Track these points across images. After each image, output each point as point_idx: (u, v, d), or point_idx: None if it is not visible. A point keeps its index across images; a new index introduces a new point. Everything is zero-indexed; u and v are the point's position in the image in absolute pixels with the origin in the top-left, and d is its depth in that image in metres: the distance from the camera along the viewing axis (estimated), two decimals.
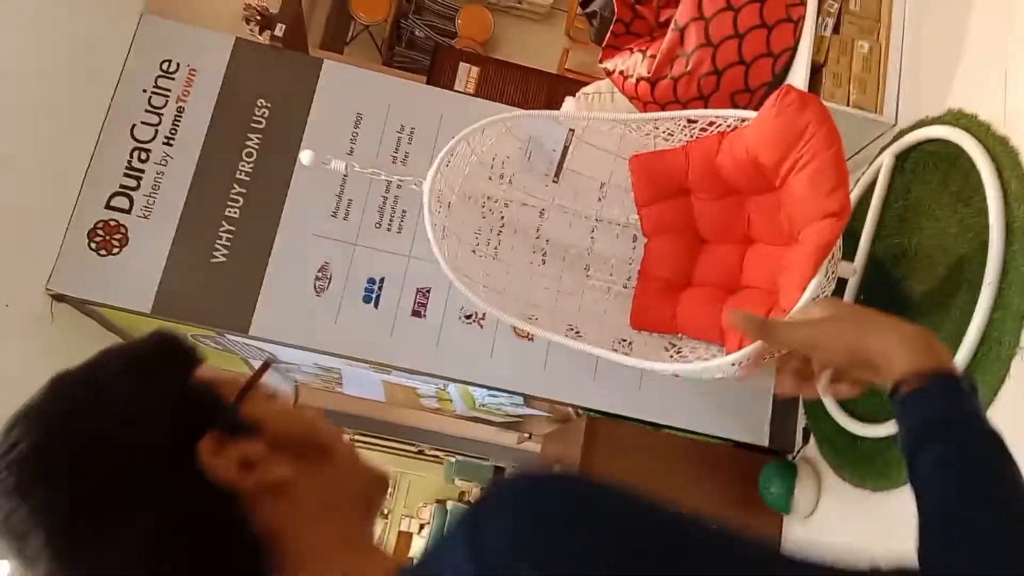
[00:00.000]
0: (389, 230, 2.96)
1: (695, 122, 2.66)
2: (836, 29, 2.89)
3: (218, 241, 2.89)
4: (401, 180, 2.69)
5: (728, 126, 2.60)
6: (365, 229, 2.95)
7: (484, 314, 2.87)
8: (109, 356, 0.69)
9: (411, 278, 2.92)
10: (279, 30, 3.28)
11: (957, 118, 2.41)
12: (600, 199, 2.86)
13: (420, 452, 7.39)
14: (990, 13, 2.42)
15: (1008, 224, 2.07)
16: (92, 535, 0.60)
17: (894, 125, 2.75)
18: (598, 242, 2.87)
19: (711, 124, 2.62)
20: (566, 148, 2.74)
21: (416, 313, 2.90)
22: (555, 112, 2.78)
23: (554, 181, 2.83)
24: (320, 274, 2.89)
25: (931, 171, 2.46)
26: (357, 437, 6.05)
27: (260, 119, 3.00)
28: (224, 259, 2.88)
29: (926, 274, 2.36)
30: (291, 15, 3.35)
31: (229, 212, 2.92)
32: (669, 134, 2.73)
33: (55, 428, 0.63)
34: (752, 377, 2.28)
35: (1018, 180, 2.10)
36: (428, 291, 2.90)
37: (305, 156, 2.63)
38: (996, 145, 2.21)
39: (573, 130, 2.75)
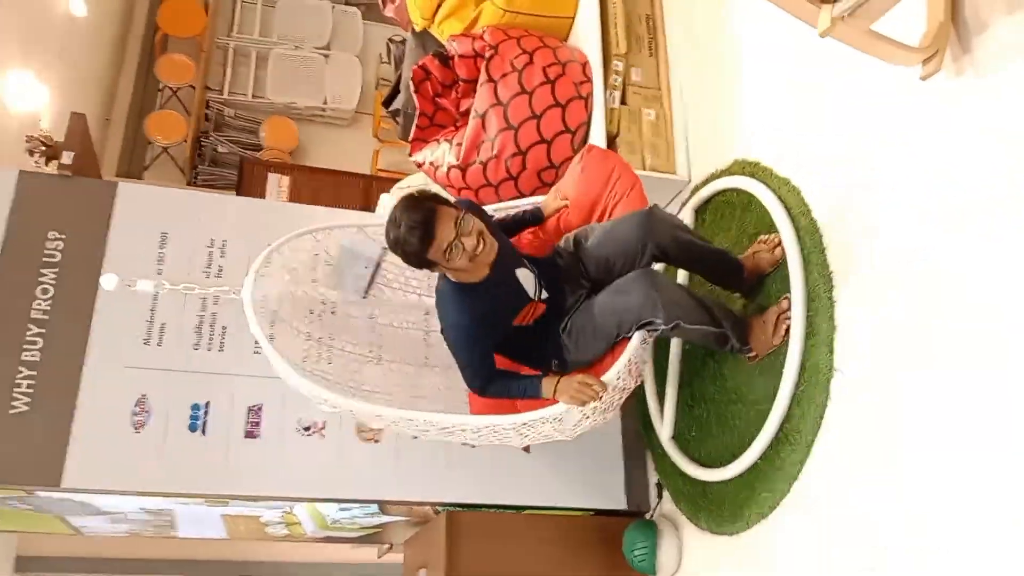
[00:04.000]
0: (209, 350, 2.80)
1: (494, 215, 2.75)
2: (623, 101, 3.08)
3: (16, 390, 2.62)
4: (218, 291, 2.57)
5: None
6: (183, 353, 2.77)
7: (324, 423, 2.75)
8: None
9: (240, 397, 2.75)
10: (67, 158, 3.08)
11: (743, 167, 2.59)
12: (426, 315, 2.84)
13: None
14: (755, 71, 2.65)
15: (804, 255, 2.23)
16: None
17: (689, 182, 2.93)
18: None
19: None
20: (378, 265, 2.71)
21: (250, 434, 2.72)
22: (366, 216, 2.75)
23: (363, 297, 2.79)
24: (137, 408, 2.67)
25: (728, 219, 2.62)
26: None
27: (54, 252, 2.79)
28: (26, 408, 2.61)
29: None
30: (79, 141, 3.17)
31: (27, 356, 2.66)
32: None
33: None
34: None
35: (804, 215, 2.27)
36: (260, 408, 2.74)
37: (108, 280, 2.46)
38: (780, 186, 2.39)
39: (386, 248, 2.73)
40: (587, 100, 3.02)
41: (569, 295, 2.31)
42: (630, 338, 2.13)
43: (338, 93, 6.00)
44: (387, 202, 3.88)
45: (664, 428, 2.73)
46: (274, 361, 2.30)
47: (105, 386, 2.67)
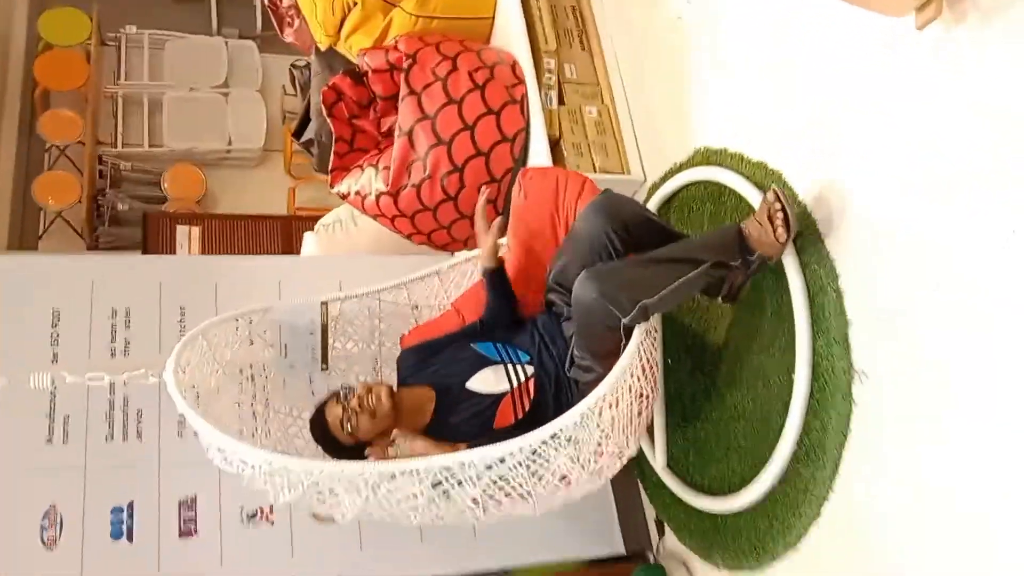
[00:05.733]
0: (125, 439, 2.40)
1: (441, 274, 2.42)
2: (561, 100, 2.80)
3: None
4: (131, 376, 2.19)
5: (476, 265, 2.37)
6: (94, 447, 2.37)
7: (271, 507, 2.37)
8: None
9: (168, 491, 2.36)
10: None
11: (707, 156, 2.33)
12: (376, 370, 2.47)
13: None
14: (664, 53, 2.40)
15: (798, 245, 1.96)
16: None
17: (644, 181, 2.66)
18: None
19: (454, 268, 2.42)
20: (324, 328, 2.34)
21: (185, 533, 2.33)
22: (302, 303, 2.35)
23: (323, 370, 2.41)
24: (46, 521, 2.26)
25: (698, 216, 2.35)
26: None
27: None
28: None
29: (732, 323, 2.21)
30: None
31: None
32: (425, 302, 2.45)
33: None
34: None
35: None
36: (194, 500, 2.35)
37: None
38: (755, 171, 2.13)
39: (326, 303, 2.36)
40: (522, 103, 2.73)
41: (568, 332, 2.06)
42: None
43: (242, 132, 5.56)
44: (311, 241, 3.53)
45: (657, 455, 2.43)
46: (221, 447, 1.91)
47: (4, 499, 2.25)
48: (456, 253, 2.88)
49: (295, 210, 5.43)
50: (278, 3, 3.84)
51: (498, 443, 1.79)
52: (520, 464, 1.80)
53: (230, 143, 5.52)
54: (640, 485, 2.62)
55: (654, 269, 1.85)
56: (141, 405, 2.43)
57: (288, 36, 3.84)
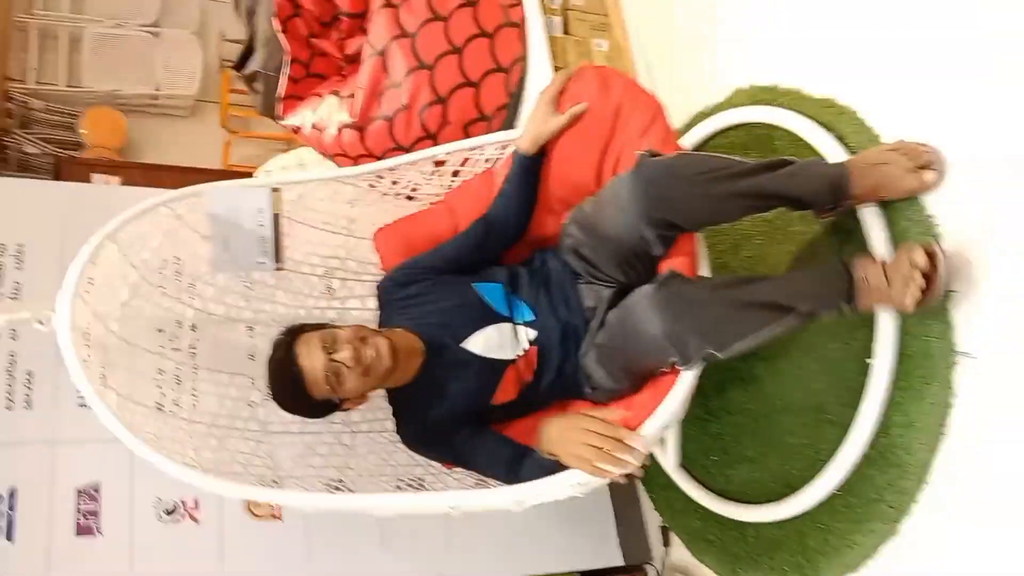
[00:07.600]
0: (10, 409, 1.89)
1: (443, 163, 1.93)
2: (565, 29, 2.38)
3: None
4: (14, 320, 1.69)
5: (487, 159, 1.91)
6: None
7: (196, 501, 1.89)
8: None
9: (64, 476, 1.86)
10: None
11: (752, 95, 1.93)
12: (331, 291, 2.01)
13: None
14: None
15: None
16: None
17: None
18: None
19: (465, 162, 1.92)
20: (277, 218, 1.86)
21: (84, 530, 1.83)
22: (246, 181, 1.90)
23: (278, 268, 1.92)
24: None
25: None
26: None
27: None
28: None
29: None
30: None
31: None
32: (414, 189, 1.97)
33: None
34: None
35: (872, 141, 1.63)
36: (96, 490, 1.86)
37: None
38: (821, 111, 1.74)
39: (278, 189, 1.88)
40: (521, 27, 2.30)
41: (585, 299, 1.68)
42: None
43: (173, 78, 4.99)
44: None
45: (668, 451, 2.03)
46: (119, 428, 1.44)
47: None
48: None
49: (229, 166, 4.89)
50: None
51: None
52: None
53: (159, 89, 4.94)
54: (642, 486, 2.23)
55: (739, 314, 1.42)
56: (33, 366, 1.92)
57: None
